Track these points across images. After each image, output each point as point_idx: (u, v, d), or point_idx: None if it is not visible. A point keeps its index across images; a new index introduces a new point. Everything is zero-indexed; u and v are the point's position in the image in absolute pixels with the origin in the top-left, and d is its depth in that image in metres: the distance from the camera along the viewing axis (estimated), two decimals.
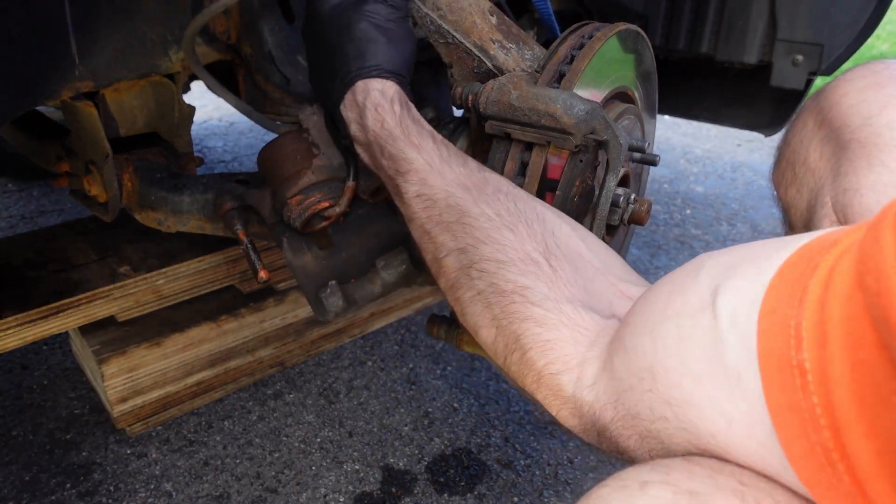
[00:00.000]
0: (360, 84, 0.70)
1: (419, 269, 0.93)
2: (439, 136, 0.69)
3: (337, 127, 0.82)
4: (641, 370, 0.44)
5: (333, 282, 0.88)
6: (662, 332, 0.43)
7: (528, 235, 0.58)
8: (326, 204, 0.82)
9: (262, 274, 0.88)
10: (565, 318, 0.53)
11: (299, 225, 0.82)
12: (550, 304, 0.54)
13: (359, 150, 0.73)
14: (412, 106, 0.71)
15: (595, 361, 0.50)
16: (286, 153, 0.83)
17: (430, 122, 0.95)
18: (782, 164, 0.85)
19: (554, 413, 0.54)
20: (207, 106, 3.08)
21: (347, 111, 0.71)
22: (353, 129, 0.71)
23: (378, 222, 0.91)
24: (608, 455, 0.51)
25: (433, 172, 0.64)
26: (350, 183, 0.82)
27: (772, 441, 0.36)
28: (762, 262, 0.39)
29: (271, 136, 0.88)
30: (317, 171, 0.82)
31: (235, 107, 0.93)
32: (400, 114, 0.68)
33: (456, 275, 0.60)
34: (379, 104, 0.68)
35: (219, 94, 0.91)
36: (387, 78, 0.71)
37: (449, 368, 1.47)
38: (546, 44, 0.89)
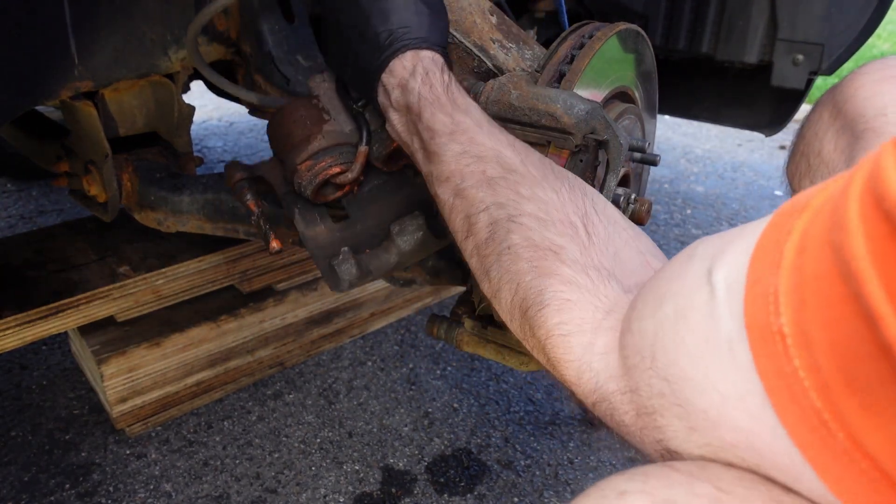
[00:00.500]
0: (410, 53, 0.70)
1: (437, 237, 0.89)
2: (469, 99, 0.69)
3: (348, 93, 0.80)
4: (644, 349, 0.45)
5: (346, 248, 0.84)
6: (661, 315, 0.44)
7: (570, 199, 0.59)
8: (338, 169, 0.79)
9: (274, 244, 0.84)
10: (590, 282, 0.54)
11: (310, 192, 0.79)
12: (579, 267, 0.55)
13: (393, 116, 0.72)
14: (454, 78, 0.72)
15: (608, 332, 0.51)
16: (295, 118, 0.80)
17: None
18: (797, 156, 0.86)
19: (555, 373, 0.55)
20: (207, 106, 3.08)
21: (391, 77, 0.71)
22: (396, 93, 0.71)
23: (395, 193, 0.87)
24: (600, 424, 0.52)
25: (482, 132, 0.64)
26: (363, 147, 0.79)
27: (763, 411, 0.36)
28: (749, 235, 0.39)
29: None
30: (327, 135, 0.78)
31: (240, 96, 0.91)
32: (447, 82, 0.69)
33: (490, 230, 0.60)
34: (430, 70, 0.69)
35: (227, 89, 0.89)
36: (437, 51, 0.72)
37: (449, 369, 1.47)
38: (546, 44, 0.88)
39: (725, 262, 0.40)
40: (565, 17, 1.00)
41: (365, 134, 0.79)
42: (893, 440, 0.30)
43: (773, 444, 0.37)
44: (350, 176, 0.79)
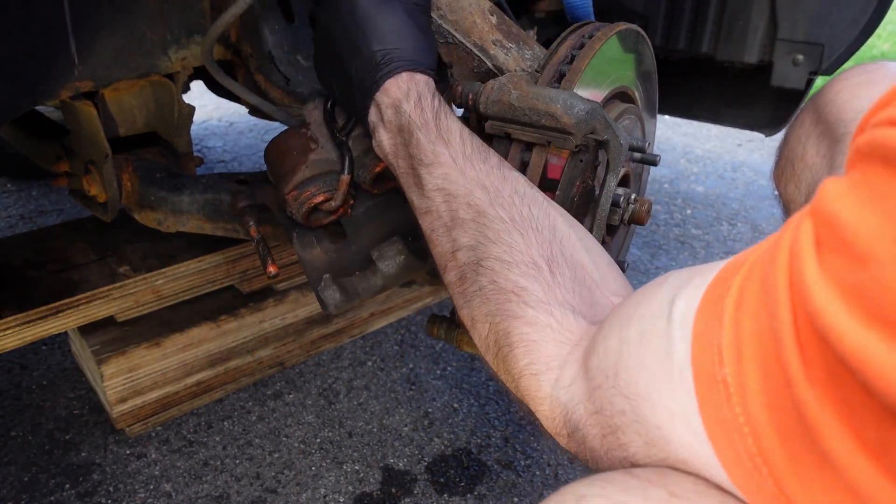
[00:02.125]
0: (406, 74, 0.71)
1: (421, 259, 0.92)
2: (467, 130, 0.69)
3: (334, 119, 0.82)
4: (608, 368, 0.47)
5: (327, 275, 0.88)
6: (627, 335, 0.47)
7: (535, 241, 0.61)
8: (322, 198, 0.82)
9: (271, 269, 0.89)
10: (554, 321, 0.56)
11: (300, 219, 0.83)
12: (543, 306, 0.57)
13: (383, 135, 0.73)
14: (444, 102, 0.72)
15: (574, 364, 0.52)
16: (284, 149, 0.83)
17: None
18: (782, 161, 0.87)
19: (532, 411, 0.57)
20: (207, 106, 3.08)
21: (385, 96, 0.71)
22: (388, 113, 0.71)
23: (387, 213, 0.90)
24: (578, 459, 0.54)
25: (456, 169, 0.65)
26: (344, 176, 0.81)
27: (704, 448, 0.39)
28: (707, 273, 0.42)
29: (270, 136, 0.88)
30: (311, 165, 0.82)
31: (259, 106, 0.93)
32: (437, 107, 0.70)
33: (461, 271, 0.63)
34: (423, 94, 0.70)
35: (242, 96, 0.91)
36: (431, 76, 0.73)
37: (449, 368, 1.47)
38: (546, 44, 0.88)
39: (684, 295, 0.43)
40: (590, 8, 0.98)
41: (347, 162, 0.81)
42: (813, 495, 0.33)
43: (715, 466, 0.39)
44: (334, 204, 0.82)
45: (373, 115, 0.74)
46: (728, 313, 0.37)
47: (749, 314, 0.36)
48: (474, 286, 0.61)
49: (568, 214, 0.67)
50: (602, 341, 0.49)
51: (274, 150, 0.85)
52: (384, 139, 0.72)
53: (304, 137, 0.83)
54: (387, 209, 0.90)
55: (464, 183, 0.64)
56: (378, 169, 0.83)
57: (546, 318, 0.56)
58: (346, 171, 0.81)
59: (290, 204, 0.82)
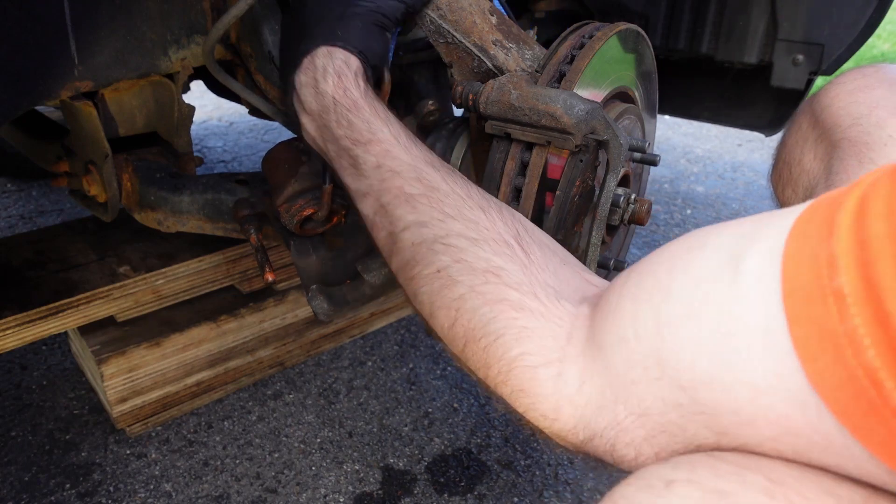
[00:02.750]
0: (322, 49, 0.65)
1: None
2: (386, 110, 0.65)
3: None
4: (646, 358, 0.41)
5: (314, 286, 0.90)
6: (668, 313, 0.40)
7: (499, 218, 0.55)
8: (311, 210, 0.85)
9: (269, 276, 0.92)
10: (541, 305, 0.50)
11: (294, 230, 0.86)
12: (526, 288, 0.50)
13: (305, 121, 0.67)
14: (370, 87, 0.67)
15: (577, 359, 0.47)
16: (277, 162, 0.87)
17: (429, 114, 0.95)
18: (779, 164, 0.87)
19: (522, 410, 0.50)
20: (207, 106, 3.08)
21: (302, 75, 0.66)
22: (306, 94, 0.65)
23: None
24: (589, 461, 0.48)
25: (399, 146, 0.60)
26: (326, 187, 0.84)
27: (802, 395, 0.35)
28: (780, 219, 0.37)
29: (270, 136, 0.90)
30: (300, 178, 0.85)
31: (259, 107, 0.95)
32: (364, 87, 0.64)
33: (413, 250, 0.56)
34: (342, 72, 0.64)
35: (243, 96, 0.93)
36: (352, 52, 0.67)
37: (449, 368, 1.47)
38: (546, 44, 0.88)
39: (755, 250, 0.37)
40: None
41: (328, 173, 0.83)
42: None
43: (811, 432, 0.35)
44: (321, 214, 0.85)
45: (294, 102, 0.68)
46: (843, 224, 0.33)
47: (880, 216, 0.31)
48: (430, 268, 0.54)
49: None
50: (624, 327, 0.43)
51: (269, 162, 0.88)
52: (307, 124, 0.67)
53: (295, 150, 0.87)
54: None
55: (409, 160, 0.59)
56: None
57: (533, 302, 0.50)
58: (327, 182, 0.83)
59: (283, 216, 0.86)
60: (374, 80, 0.73)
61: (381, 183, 0.58)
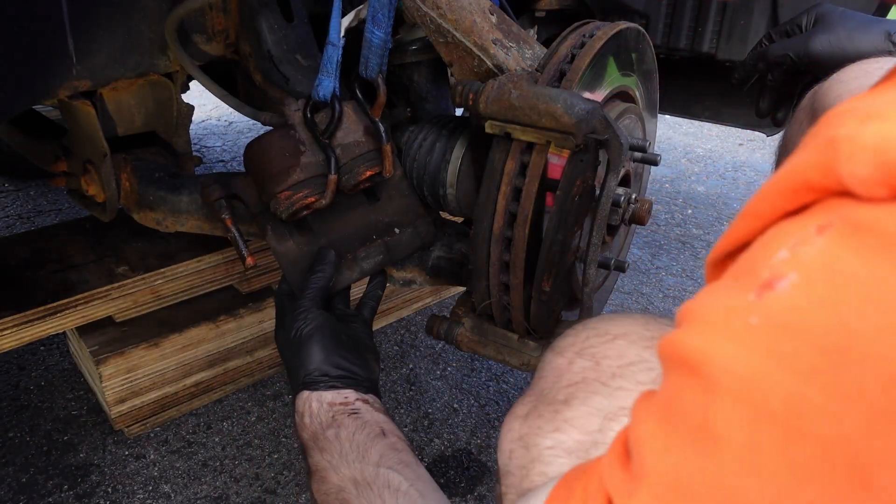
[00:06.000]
0: (304, 394, 0.79)
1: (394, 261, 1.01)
2: (356, 430, 0.75)
3: (315, 123, 0.86)
4: None
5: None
6: None
7: None
8: (313, 199, 0.87)
9: (250, 260, 0.93)
10: None
11: (285, 217, 0.87)
12: None
13: (300, 433, 0.82)
14: (338, 395, 0.79)
15: None
16: (277, 149, 0.87)
17: (399, 124, 1.00)
18: (781, 160, 0.87)
19: None
20: (206, 105, 3.07)
21: (295, 408, 0.81)
22: (297, 420, 0.80)
23: (354, 211, 0.98)
24: None
25: (331, 470, 0.71)
26: (332, 176, 0.86)
27: None
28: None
29: None
30: (304, 168, 0.86)
31: (217, 95, 0.96)
32: (323, 421, 0.76)
33: None
34: (312, 413, 0.78)
35: (203, 84, 0.93)
36: (328, 387, 0.80)
37: (449, 369, 1.47)
38: (546, 43, 0.88)
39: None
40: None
41: (333, 163, 0.86)
42: None
43: None
44: (324, 203, 0.88)
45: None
46: None
47: None
48: None
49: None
50: None
51: (264, 148, 0.89)
52: (300, 437, 0.80)
53: (293, 139, 0.87)
54: (351, 207, 0.96)
55: (336, 481, 0.70)
56: (366, 175, 0.88)
57: None
58: (332, 172, 0.86)
59: (280, 202, 0.86)
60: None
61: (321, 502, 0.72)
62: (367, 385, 0.83)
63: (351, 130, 0.89)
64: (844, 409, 0.22)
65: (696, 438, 0.26)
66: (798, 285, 0.24)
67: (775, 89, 1.04)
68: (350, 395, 0.80)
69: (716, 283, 0.29)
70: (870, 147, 0.23)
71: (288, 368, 0.85)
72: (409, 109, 1.06)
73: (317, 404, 0.78)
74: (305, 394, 0.79)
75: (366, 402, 0.79)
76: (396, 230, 0.99)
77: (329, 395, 0.79)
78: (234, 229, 0.93)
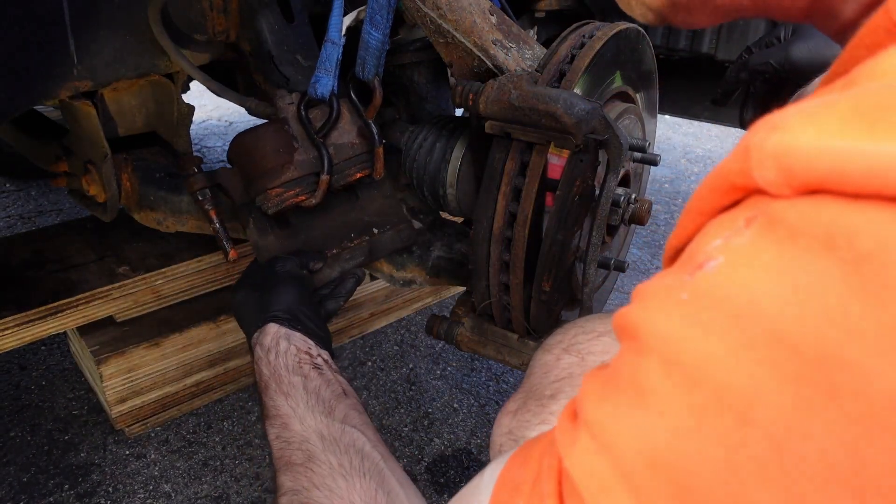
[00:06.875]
0: (269, 327, 0.78)
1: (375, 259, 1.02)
2: (320, 384, 0.74)
3: (309, 119, 0.86)
4: None
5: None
6: None
7: (360, 487, 0.64)
8: (304, 197, 0.86)
9: (233, 254, 0.93)
10: None
11: (271, 212, 0.86)
12: None
13: (258, 370, 0.80)
14: (304, 343, 0.78)
15: None
16: (269, 144, 0.86)
17: (391, 123, 1.00)
18: None
19: None
20: (206, 105, 3.08)
21: (255, 343, 0.79)
22: (257, 355, 0.79)
23: (335, 208, 0.98)
24: None
25: (295, 418, 0.70)
26: (325, 176, 0.85)
27: None
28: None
29: None
30: (298, 166, 0.85)
31: (218, 93, 0.95)
32: (289, 363, 0.75)
33: None
34: (276, 350, 0.76)
35: (193, 75, 0.92)
36: (295, 329, 0.79)
37: (449, 369, 1.47)
38: (546, 43, 0.88)
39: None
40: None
41: (327, 164, 0.85)
42: None
43: None
44: (314, 201, 0.87)
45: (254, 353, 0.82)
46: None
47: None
48: None
49: (405, 477, 0.69)
50: None
51: (255, 142, 0.87)
52: (258, 372, 0.79)
53: (286, 135, 0.86)
54: (332, 205, 0.97)
55: (300, 430, 0.69)
56: (357, 177, 0.88)
57: None
58: (326, 172, 0.85)
59: (270, 198, 0.85)
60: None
61: (278, 451, 0.69)
62: (328, 350, 0.82)
63: (345, 131, 0.89)
64: (739, 363, 0.27)
65: (627, 391, 0.31)
66: (722, 267, 0.29)
67: (758, 99, 1.04)
68: (314, 347, 0.79)
69: (666, 270, 0.35)
70: (771, 154, 0.27)
71: (247, 310, 0.83)
72: (399, 110, 1.07)
73: (285, 344, 0.77)
74: (275, 328, 0.78)
75: (326, 361, 0.79)
76: (375, 230, 0.99)
77: (298, 339, 0.78)
78: (217, 221, 0.92)
